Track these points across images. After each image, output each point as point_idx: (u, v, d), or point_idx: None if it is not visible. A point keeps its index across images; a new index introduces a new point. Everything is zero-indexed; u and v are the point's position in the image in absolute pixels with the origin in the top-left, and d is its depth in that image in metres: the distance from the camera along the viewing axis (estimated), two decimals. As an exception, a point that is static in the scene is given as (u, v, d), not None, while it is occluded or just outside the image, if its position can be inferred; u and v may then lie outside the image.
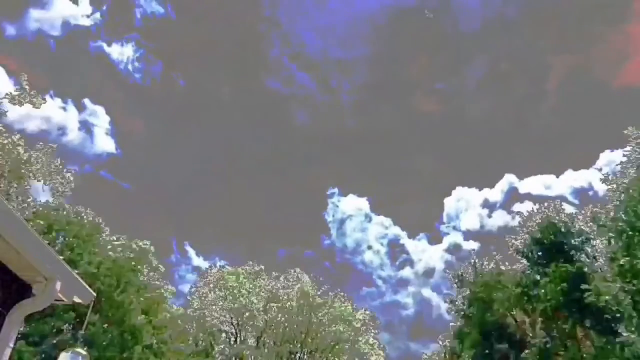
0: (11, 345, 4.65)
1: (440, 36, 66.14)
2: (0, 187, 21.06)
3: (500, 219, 58.04)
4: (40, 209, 24.88)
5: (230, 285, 35.93)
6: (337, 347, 36.16)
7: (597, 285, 17.85)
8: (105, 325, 23.57)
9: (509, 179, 59.29)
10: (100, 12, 55.73)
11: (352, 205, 62.97)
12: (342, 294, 39.64)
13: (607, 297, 17.32)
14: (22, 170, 21.52)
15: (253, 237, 70.79)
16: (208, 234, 67.80)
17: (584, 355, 20.45)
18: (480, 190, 61.10)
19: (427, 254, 62.43)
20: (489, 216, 58.91)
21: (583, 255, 22.26)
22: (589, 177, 55.45)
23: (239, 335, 35.98)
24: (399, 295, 60.50)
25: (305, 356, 36.00)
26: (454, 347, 26.96)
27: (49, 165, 22.86)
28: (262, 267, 39.19)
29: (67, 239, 24.14)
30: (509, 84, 69.81)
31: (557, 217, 23.34)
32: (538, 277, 21.97)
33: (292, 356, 35.68)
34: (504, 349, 24.18)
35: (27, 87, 21.24)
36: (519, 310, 23.57)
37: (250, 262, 39.20)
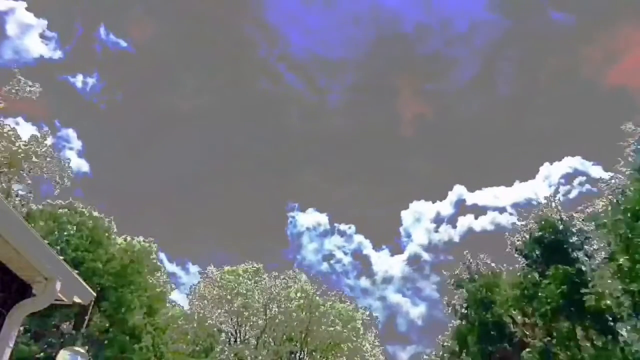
0: (11, 345, 4.65)
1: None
2: (2, 184, 21.01)
3: (445, 233, 59.94)
4: (49, 203, 24.93)
5: (229, 285, 35.94)
6: (337, 346, 36.15)
7: (598, 287, 17.81)
8: (107, 325, 23.59)
9: (458, 190, 60.88)
10: (67, 47, 58.86)
11: (313, 218, 64.14)
12: (341, 293, 39.78)
13: (607, 301, 17.30)
14: (23, 165, 21.45)
15: (220, 245, 71.60)
16: (177, 241, 69.25)
17: (584, 356, 20.44)
18: (433, 202, 63.21)
19: (388, 264, 64.18)
20: (436, 231, 60.58)
21: (581, 254, 22.24)
22: (535, 189, 56.69)
23: (239, 335, 35.99)
24: (368, 301, 61.85)
25: (305, 356, 35.99)
26: (453, 347, 26.97)
27: (46, 157, 22.72)
28: (262, 265, 39.29)
29: (72, 239, 24.11)
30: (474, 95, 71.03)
31: (556, 216, 23.32)
32: (537, 277, 21.93)
33: (292, 356, 35.68)
34: (504, 348, 24.19)
35: (21, 79, 21.17)
36: (519, 311, 23.55)
37: (250, 261, 39.29)
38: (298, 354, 35.84)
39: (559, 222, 22.84)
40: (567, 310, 20.18)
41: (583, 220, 22.04)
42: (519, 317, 23.94)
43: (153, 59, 68.52)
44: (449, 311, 27.60)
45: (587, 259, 21.92)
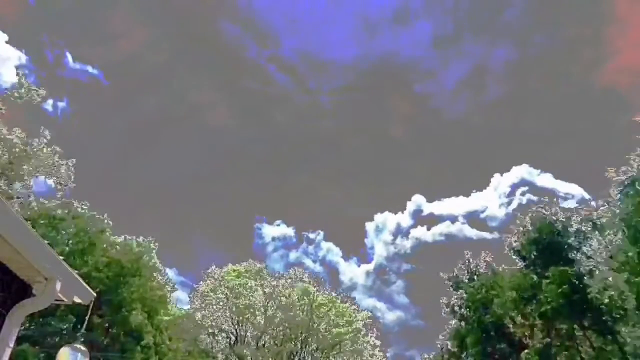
0: (11, 345, 4.65)
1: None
2: (1, 186, 21.00)
3: (401, 245, 61.62)
4: (46, 203, 24.84)
5: (231, 285, 35.93)
6: (337, 347, 36.13)
7: (602, 281, 17.83)
8: (107, 326, 23.58)
9: (417, 200, 62.39)
10: (42, 74, 60.26)
11: (279, 230, 64.89)
12: (343, 294, 39.75)
13: (611, 293, 17.35)
14: (24, 166, 21.41)
15: (194, 255, 71.79)
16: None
17: (583, 356, 20.46)
18: (395, 214, 64.99)
19: (355, 273, 65.80)
20: (392, 242, 62.05)
21: (579, 255, 22.23)
22: (488, 199, 58.35)
23: (239, 335, 35.96)
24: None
25: (306, 356, 35.96)
26: (452, 348, 26.95)
27: (47, 159, 22.66)
28: (264, 265, 39.26)
29: (71, 242, 24.00)
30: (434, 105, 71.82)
31: (554, 217, 23.29)
32: (535, 278, 21.89)
33: (293, 356, 35.66)
34: (504, 349, 24.18)
35: (24, 82, 21.15)
36: (518, 313, 23.54)
37: (251, 260, 39.26)
38: (299, 355, 35.82)
39: (557, 223, 22.80)
40: (566, 310, 20.18)
41: (582, 220, 22.04)
42: (518, 318, 23.93)
43: (137, 66, 68.97)
44: (448, 312, 27.59)
45: (585, 259, 21.92)
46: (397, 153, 74.93)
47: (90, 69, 62.49)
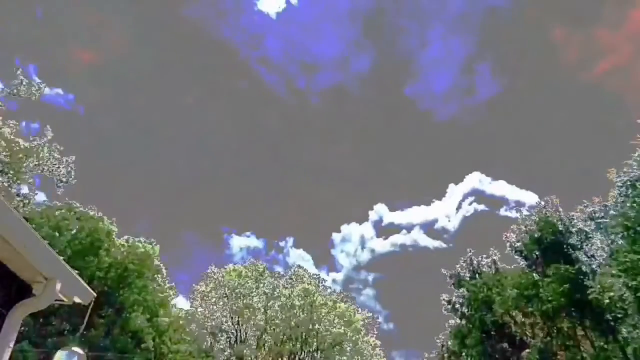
0: (11, 345, 4.64)
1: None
2: (3, 182, 20.95)
3: (362, 253, 62.92)
4: (51, 205, 24.80)
5: (231, 285, 35.95)
6: (338, 347, 36.14)
7: (601, 282, 17.81)
8: (108, 327, 23.56)
9: (378, 210, 63.36)
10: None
11: (248, 241, 65.37)
12: (343, 294, 39.78)
13: (611, 294, 17.32)
14: (24, 164, 21.33)
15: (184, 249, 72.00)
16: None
17: (584, 355, 20.44)
18: (360, 224, 66.54)
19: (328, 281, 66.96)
20: (354, 254, 63.30)
21: (581, 254, 22.24)
22: (444, 208, 58.93)
23: (239, 335, 35.98)
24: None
25: (305, 356, 35.98)
26: (452, 347, 26.93)
27: (49, 157, 22.58)
28: (265, 265, 39.31)
29: (74, 243, 23.96)
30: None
31: (556, 216, 23.31)
32: (536, 278, 21.93)
33: (293, 356, 35.66)
34: (505, 348, 24.17)
35: (22, 78, 21.07)
36: (519, 311, 23.55)
37: (253, 261, 39.29)
38: (299, 355, 35.83)
39: (559, 222, 22.83)
40: (568, 309, 20.19)
41: (584, 219, 22.04)
42: (519, 317, 23.93)
43: (124, 71, 68.96)
44: (449, 309, 27.56)
45: (587, 259, 21.93)
46: (376, 159, 75.45)
47: (60, 91, 62.13)
